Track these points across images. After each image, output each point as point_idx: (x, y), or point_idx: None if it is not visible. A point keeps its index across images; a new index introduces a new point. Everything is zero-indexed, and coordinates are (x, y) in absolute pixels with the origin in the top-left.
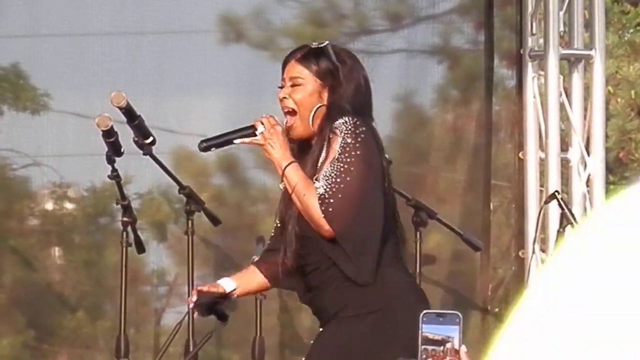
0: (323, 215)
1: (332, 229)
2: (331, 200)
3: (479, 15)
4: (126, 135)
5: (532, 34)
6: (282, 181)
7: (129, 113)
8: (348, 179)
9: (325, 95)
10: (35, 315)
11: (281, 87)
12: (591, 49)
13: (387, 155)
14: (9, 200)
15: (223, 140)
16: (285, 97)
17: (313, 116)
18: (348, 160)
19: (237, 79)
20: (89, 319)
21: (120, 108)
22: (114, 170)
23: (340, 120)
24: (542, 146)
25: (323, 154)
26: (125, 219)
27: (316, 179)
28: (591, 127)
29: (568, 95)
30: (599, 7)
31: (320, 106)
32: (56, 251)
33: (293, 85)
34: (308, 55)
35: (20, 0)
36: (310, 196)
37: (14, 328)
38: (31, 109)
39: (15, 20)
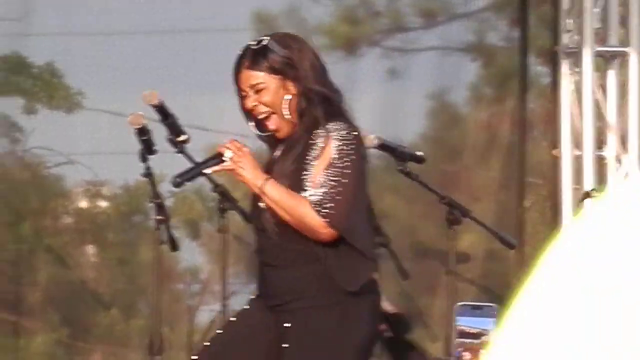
0: (325, 220)
1: (337, 230)
2: (330, 204)
3: (513, 13)
4: (159, 133)
5: (567, 31)
6: (261, 200)
7: (162, 111)
8: (344, 181)
9: (290, 85)
10: (70, 313)
11: (243, 98)
12: (627, 46)
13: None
14: (44, 198)
15: (194, 173)
16: (255, 105)
17: (289, 109)
18: (343, 165)
19: None
20: (123, 317)
21: (153, 106)
22: (148, 168)
23: (335, 125)
24: (577, 144)
25: (316, 151)
26: (158, 217)
27: (304, 181)
28: (627, 124)
29: (603, 92)
30: (635, 4)
31: (290, 97)
32: (90, 249)
33: (257, 92)
34: (255, 58)
35: (55, 0)
36: (302, 206)
37: (48, 326)
38: (65, 108)
39: (49, 19)
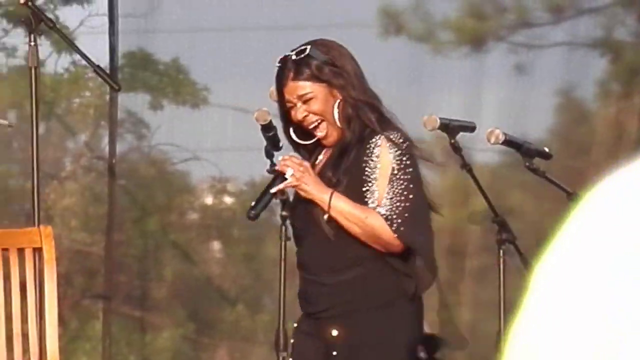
0: (396, 234)
1: (408, 244)
2: (399, 220)
3: None
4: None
5: None
6: (327, 213)
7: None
8: (409, 194)
9: (335, 91)
10: (195, 309)
11: (290, 109)
12: None
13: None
14: (170, 194)
15: (265, 200)
16: (305, 115)
17: (338, 115)
18: (405, 176)
19: (397, 71)
20: (249, 313)
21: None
22: (273, 164)
23: (390, 134)
24: None
25: (374, 162)
26: (284, 213)
27: (365, 192)
28: None
29: None
30: None
31: (339, 102)
32: (215, 245)
33: (305, 102)
34: (299, 68)
35: None
36: (373, 218)
37: (174, 321)
38: (191, 104)
39: (175, 15)
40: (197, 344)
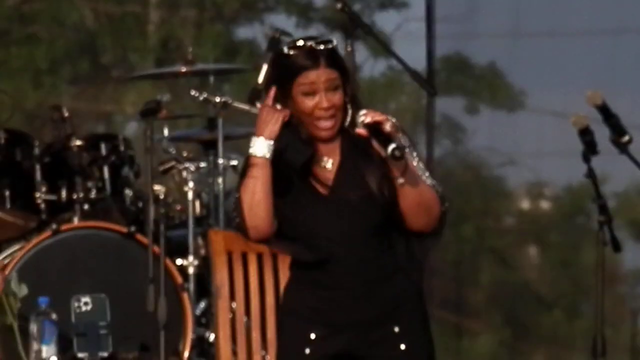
0: (442, 209)
1: (443, 226)
2: (443, 195)
3: None
4: (602, 134)
5: None
6: (403, 177)
7: (605, 112)
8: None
9: (345, 87)
10: (512, 314)
11: (311, 94)
12: None
13: None
14: (486, 199)
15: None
16: (329, 105)
17: (350, 109)
18: (417, 153)
19: None
20: (566, 318)
21: (596, 107)
22: (590, 169)
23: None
24: None
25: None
26: (601, 218)
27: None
28: None
29: None
30: None
31: (347, 101)
32: (532, 250)
33: (331, 90)
34: (330, 56)
35: (505, 0)
36: (429, 188)
37: (491, 326)
38: (507, 108)
39: (494, 19)
40: (514, 350)
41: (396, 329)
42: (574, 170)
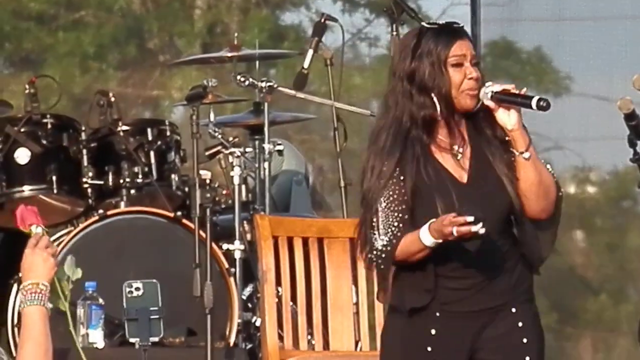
0: (560, 194)
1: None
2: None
3: None
4: None
5: None
6: (526, 152)
7: None
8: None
9: None
10: (559, 298)
11: (458, 65)
12: None
13: None
14: None
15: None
16: (477, 78)
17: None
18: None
19: None
20: (612, 303)
21: None
22: (636, 153)
23: None
24: None
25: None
26: None
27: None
28: None
29: None
30: None
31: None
32: (579, 234)
33: (475, 65)
34: (467, 33)
35: None
36: (547, 172)
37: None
38: (553, 92)
39: (539, 4)
40: (561, 334)
41: (513, 310)
42: (620, 155)
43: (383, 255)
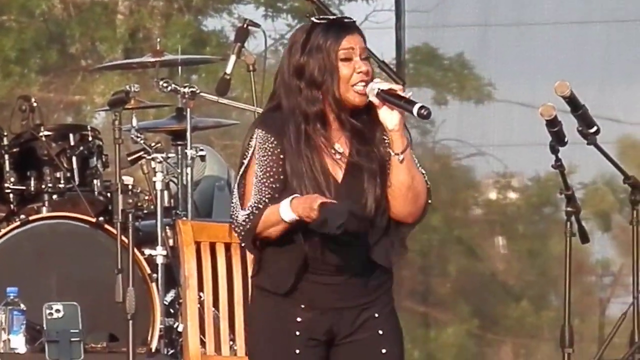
0: (430, 201)
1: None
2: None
3: None
4: (570, 125)
5: None
6: (402, 154)
7: (573, 102)
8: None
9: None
10: (480, 304)
11: (347, 60)
12: None
13: None
14: (454, 189)
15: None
16: (365, 71)
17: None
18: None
19: None
20: (533, 309)
21: (564, 97)
22: (558, 159)
23: None
24: None
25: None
26: (569, 208)
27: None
28: None
29: None
30: None
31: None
32: (500, 240)
33: (365, 59)
34: (360, 31)
35: None
36: (421, 177)
37: (458, 317)
38: (475, 99)
39: (462, 10)
40: (482, 340)
41: (376, 315)
42: (542, 161)
43: (246, 228)
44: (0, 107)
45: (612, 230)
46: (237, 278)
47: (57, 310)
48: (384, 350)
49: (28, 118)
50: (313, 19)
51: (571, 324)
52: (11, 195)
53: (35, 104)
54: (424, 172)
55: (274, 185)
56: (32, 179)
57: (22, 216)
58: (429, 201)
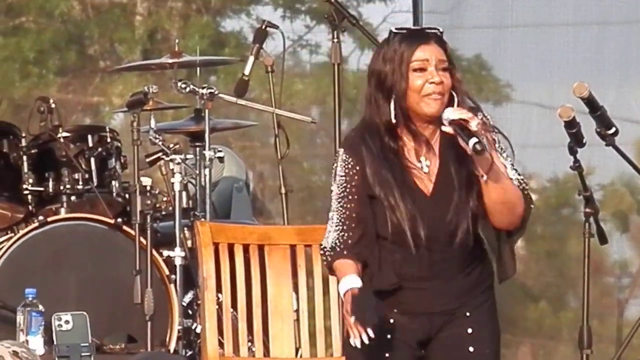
0: (530, 208)
1: (525, 225)
2: (528, 194)
3: None
4: (588, 126)
5: None
6: (487, 174)
7: (591, 104)
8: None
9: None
10: (498, 306)
11: (420, 70)
12: None
13: None
14: None
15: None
16: (440, 82)
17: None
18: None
19: None
20: (552, 310)
21: (582, 99)
22: (576, 161)
23: (482, 113)
24: None
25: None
26: (587, 210)
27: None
28: None
29: None
30: None
31: (454, 87)
32: (518, 242)
33: (443, 70)
34: (441, 40)
35: None
36: (515, 187)
37: None
38: (494, 100)
39: (480, 12)
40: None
41: (467, 314)
42: (560, 162)
43: (328, 257)
44: (19, 108)
45: (631, 231)
46: (256, 279)
47: (67, 322)
48: (471, 349)
49: (46, 119)
50: (392, 28)
51: (589, 325)
52: (29, 197)
53: (53, 105)
54: (518, 175)
55: (348, 205)
56: (51, 180)
57: (41, 217)
58: (532, 205)
